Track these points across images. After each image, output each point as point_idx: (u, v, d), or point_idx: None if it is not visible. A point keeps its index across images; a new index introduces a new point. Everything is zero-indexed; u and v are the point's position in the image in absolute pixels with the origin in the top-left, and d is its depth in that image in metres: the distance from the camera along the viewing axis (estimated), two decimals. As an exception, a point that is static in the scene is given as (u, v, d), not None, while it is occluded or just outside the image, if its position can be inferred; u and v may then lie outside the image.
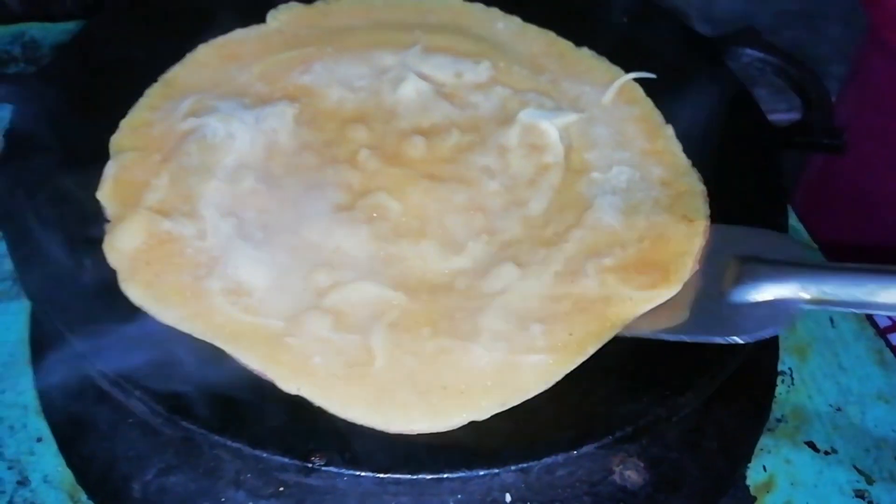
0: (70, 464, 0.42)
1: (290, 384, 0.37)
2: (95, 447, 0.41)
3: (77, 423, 0.42)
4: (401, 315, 0.40)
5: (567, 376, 0.39)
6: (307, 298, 0.41)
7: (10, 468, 0.42)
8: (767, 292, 0.39)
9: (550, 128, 0.50)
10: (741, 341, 0.38)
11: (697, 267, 0.43)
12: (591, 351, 0.40)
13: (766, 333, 0.38)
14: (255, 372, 0.38)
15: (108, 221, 0.43)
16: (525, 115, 0.51)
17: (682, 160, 0.51)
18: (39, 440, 0.43)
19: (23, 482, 0.42)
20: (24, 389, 0.45)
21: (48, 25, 0.70)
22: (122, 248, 0.41)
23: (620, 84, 0.55)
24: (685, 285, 0.42)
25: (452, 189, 0.47)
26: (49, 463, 0.42)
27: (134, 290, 0.39)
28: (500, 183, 0.48)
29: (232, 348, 0.38)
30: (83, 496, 0.41)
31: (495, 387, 0.38)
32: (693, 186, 0.49)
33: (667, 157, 0.51)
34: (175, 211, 0.43)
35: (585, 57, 0.58)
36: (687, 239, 0.45)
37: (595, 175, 0.49)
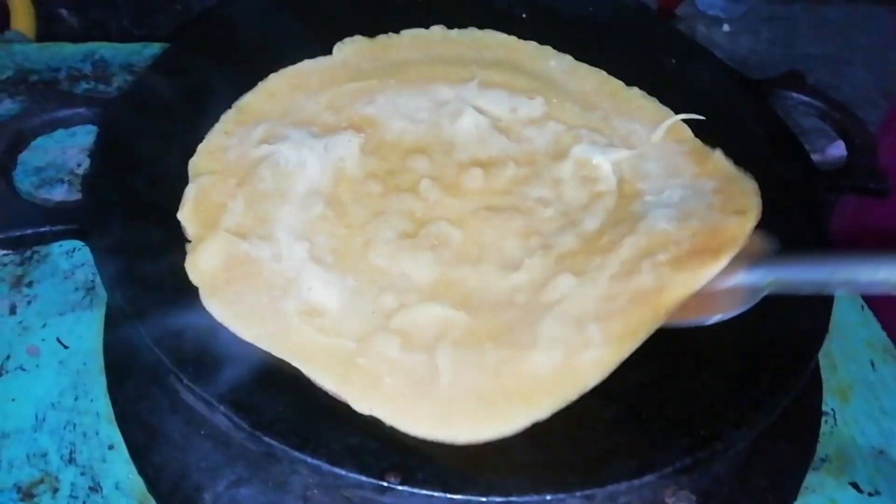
0: (141, 472, 0.43)
1: (362, 404, 0.39)
2: (167, 457, 0.43)
3: (149, 432, 0.44)
4: (464, 333, 0.42)
5: (627, 407, 0.40)
6: (376, 320, 0.43)
7: (82, 474, 0.44)
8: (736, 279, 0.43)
9: (603, 161, 0.53)
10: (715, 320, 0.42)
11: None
12: (644, 337, 0.42)
13: (735, 312, 0.42)
14: (330, 392, 0.39)
15: (189, 241, 0.45)
16: (578, 150, 0.53)
17: (733, 170, 0.53)
18: (111, 447, 0.45)
19: (95, 488, 0.43)
20: (97, 397, 0.47)
21: (117, 46, 0.73)
22: (204, 267, 0.43)
23: (671, 124, 0.57)
24: None
25: (509, 217, 0.49)
26: (121, 470, 0.44)
27: (216, 307, 0.41)
28: (554, 210, 0.50)
29: (307, 368, 0.40)
30: (153, 504, 0.43)
31: (555, 386, 0.40)
32: (745, 186, 0.50)
33: (718, 173, 0.53)
34: (251, 233, 0.45)
35: (636, 97, 0.60)
36: (739, 226, 0.46)
37: (648, 198, 0.51)
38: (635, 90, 0.61)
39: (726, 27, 1.09)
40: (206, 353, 0.39)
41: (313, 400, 0.39)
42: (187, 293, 0.42)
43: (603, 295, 0.43)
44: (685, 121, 0.58)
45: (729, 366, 0.43)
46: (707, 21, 1.04)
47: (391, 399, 0.39)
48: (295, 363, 0.40)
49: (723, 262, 0.44)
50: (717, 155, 0.54)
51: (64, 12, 0.99)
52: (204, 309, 0.41)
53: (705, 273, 0.44)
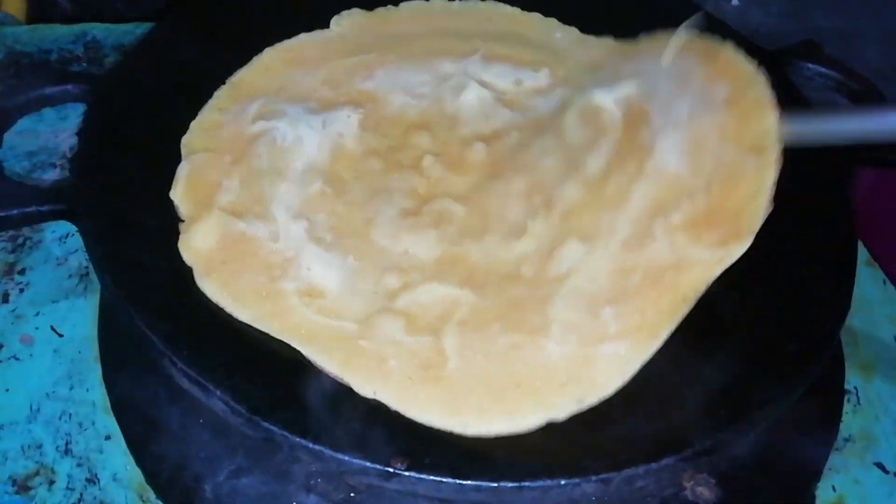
0: (139, 463, 0.42)
1: (365, 388, 0.37)
2: (166, 447, 0.41)
3: (147, 422, 0.42)
4: (470, 312, 0.40)
5: (641, 387, 0.38)
6: (378, 301, 0.41)
7: (78, 465, 0.42)
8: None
9: (608, 98, 0.48)
10: None
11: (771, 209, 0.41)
12: (665, 335, 0.39)
13: None
14: (332, 375, 0.38)
15: (182, 221, 0.43)
16: (580, 98, 0.50)
17: (746, 67, 0.46)
18: (108, 438, 0.43)
19: (92, 480, 0.42)
20: (92, 386, 0.45)
21: (110, 26, 0.71)
22: (198, 246, 0.41)
23: (681, 39, 0.51)
24: None
25: (510, 179, 0.47)
26: (118, 461, 0.42)
27: (210, 288, 0.40)
28: (555, 157, 0.47)
29: (308, 350, 0.38)
30: (152, 496, 0.41)
31: (570, 382, 0.38)
32: (760, 97, 0.44)
33: (730, 70, 0.47)
34: (248, 212, 0.43)
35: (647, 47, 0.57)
36: (757, 174, 0.42)
37: (655, 120, 0.46)
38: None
39: (735, 1, 1.05)
40: (202, 336, 0.37)
41: (314, 384, 0.37)
42: (181, 276, 0.40)
43: (615, 268, 0.41)
44: None
45: (748, 344, 0.41)
46: (716, -5, 1.01)
47: (396, 382, 0.37)
48: (295, 345, 0.38)
49: (745, 243, 0.41)
50: (728, 51, 0.47)
51: (57, -4, 0.97)
52: (199, 291, 0.40)
53: (726, 254, 0.41)
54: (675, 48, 0.50)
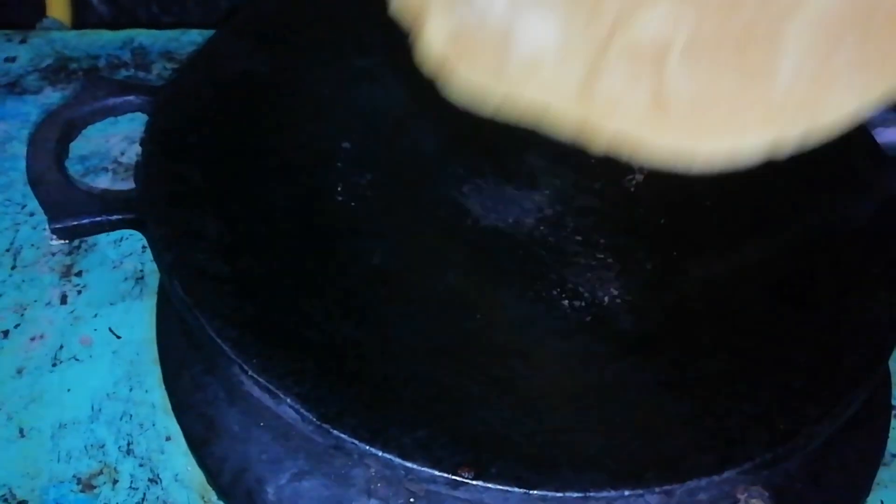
0: (200, 464, 0.43)
1: (603, 135, 0.37)
2: (227, 449, 0.42)
3: (207, 424, 0.43)
4: (693, 40, 0.37)
5: (701, 400, 0.39)
6: (595, 52, 0.38)
7: (141, 465, 0.44)
8: None
9: None
10: None
11: None
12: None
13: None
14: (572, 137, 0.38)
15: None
16: None
17: None
18: (168, 439, 0.44)
19: (154, 480, 0.43)
20: (152, 387, 0.46)
21: (155, 33, 0.72)
22: (435, 49, 0.40)
23: None
24: None
25: None
26: (179, 462, 0.43)
27: (460, 80, 0.39)
28: None
29: (545, 120, 0.38)
30: (213, 497, 0.42)
31: (802, 109, 0.36)
32: None
33: None
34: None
35: None
36: None
37: None
38: None
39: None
40: (270, 343, 0.38)
41: (379, 391, 0.38)
42: (245, 282, 0.41)
43: None
44: None
45: (803, 357, 0.42)
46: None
47: (633, 115, 0.37)
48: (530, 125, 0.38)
49: None
50: None
51: (94, 0, 0.99)
52: (265, 299, 0.40)
53: None
54: None
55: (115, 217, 0.42)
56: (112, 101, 0.49)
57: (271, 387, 0.36)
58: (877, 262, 0.47)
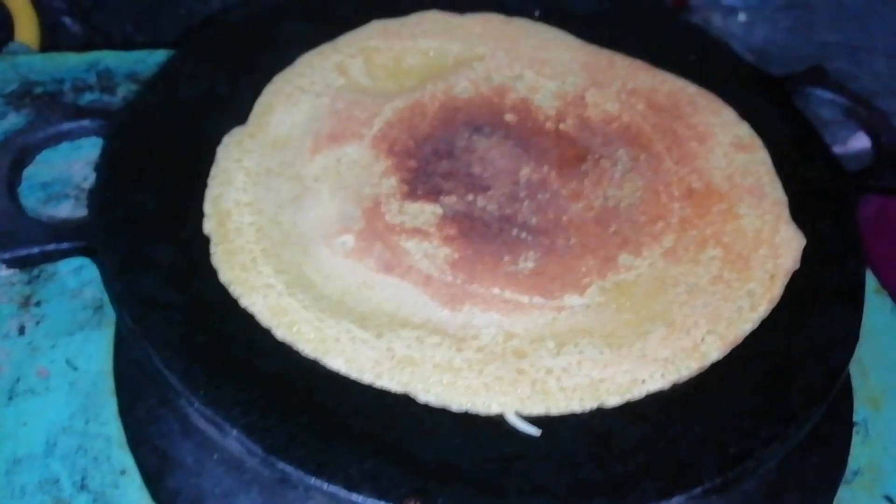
0: (155, 497, 0.42)
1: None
2: (181, 482, 0.42)
3: (161, 457, 0.43)
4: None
5: (652, 425, 0.39)
6: None
7: (95, 500, 0.43)
8: None
9: None
10: None
11: None
12: None
13: None
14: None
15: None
16: None
17: None
18: (123, 473, 0.44)
19: (108, 514, 0.42)
20: (108, 420, 0.46)
21: (122, 54, 0.71)
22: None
23: None
24: None
25: None
26: (133, 496, 0.43)
27: None
28: None
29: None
30: (167, 530, 0.42)
31: None
32: None
33: None
34: None
35: None
36: None
37: None
38: None
39: (742, 17, 1.06)
40: (218, 374, 0.38)
41: (328, 421, 0.37)
42: (196, 311, 0.41)
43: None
44: None
45: (756, 378, 0.42)
46: (722, 11, 1.02)
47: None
48: None
49: None
50: None
51: (67, 20, 0.99)
52: (215, 326, 0.40)
53: None
54: None
55: (65, 245, 0.42)
56: (66, 126, 0.49)
57: (217, 418, 0.36)
58: (833, 277, 0.47)
